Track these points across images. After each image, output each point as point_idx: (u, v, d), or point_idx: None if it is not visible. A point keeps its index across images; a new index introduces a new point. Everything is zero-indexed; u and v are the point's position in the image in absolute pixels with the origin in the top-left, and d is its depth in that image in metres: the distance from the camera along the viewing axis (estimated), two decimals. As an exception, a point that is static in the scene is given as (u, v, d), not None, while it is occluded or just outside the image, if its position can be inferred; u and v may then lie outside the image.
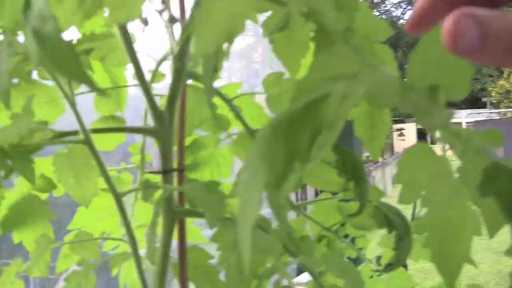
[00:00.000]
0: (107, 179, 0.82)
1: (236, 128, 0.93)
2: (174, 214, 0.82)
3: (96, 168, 0.86)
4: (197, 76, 0.88)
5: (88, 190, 0.90)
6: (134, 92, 0.97)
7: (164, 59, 0.89)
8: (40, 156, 0.82)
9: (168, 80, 0.85)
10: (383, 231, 0.75)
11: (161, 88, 0.89)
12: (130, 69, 0.83)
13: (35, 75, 0.81)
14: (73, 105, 0.77)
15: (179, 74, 0.82)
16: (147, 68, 0.84)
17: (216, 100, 0.86)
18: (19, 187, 0.91)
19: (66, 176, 0.87)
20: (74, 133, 0.79)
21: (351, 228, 0.83)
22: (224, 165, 0.99)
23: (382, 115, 0.74)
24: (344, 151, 0.72)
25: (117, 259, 0.90)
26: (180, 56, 0.82)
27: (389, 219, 0.74)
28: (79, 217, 0.98)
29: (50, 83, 0.83)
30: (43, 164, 0.89)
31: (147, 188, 0.87)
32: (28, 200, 0.89)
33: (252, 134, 0.87)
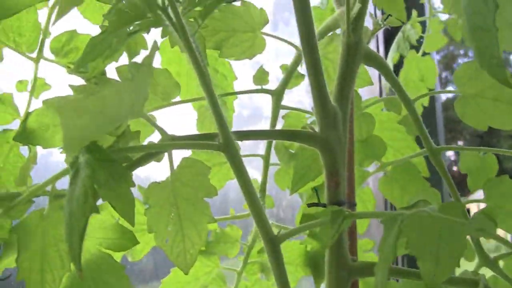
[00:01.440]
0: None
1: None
2: (349, 273, 0.51)
3: (208, 209, 0.56)
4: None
5: (193, 247, 0.59)
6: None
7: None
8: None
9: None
10: None
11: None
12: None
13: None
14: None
15: (354, 50, 0.55)
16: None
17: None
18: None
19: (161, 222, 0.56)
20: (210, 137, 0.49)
21: None
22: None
23: None
24: None
25: None
26: (355, 28, 0.55)
27: None
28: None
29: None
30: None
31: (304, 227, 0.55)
32: (97, 261, 0.56)
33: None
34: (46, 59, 0.65)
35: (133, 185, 0.47)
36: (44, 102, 0.60)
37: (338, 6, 0.60)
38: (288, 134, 0.56)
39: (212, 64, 0.73)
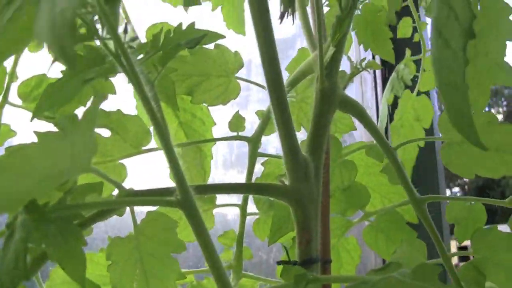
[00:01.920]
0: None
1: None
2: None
3: (176, 265, 0.53)
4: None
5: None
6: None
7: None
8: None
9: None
10: None
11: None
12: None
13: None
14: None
15: (328, 97, 0.52)
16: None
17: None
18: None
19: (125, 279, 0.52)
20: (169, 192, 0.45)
21: None
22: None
23: None
24: None
25: None
26: (329, 73, 0.52)
27: None
28: None
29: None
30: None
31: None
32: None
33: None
34: (12, 104, 0.62)
35: (85, 243, 0.44)
36: (7, 150, 0.57)
37: (312, 49, 0.57)
38: (255, 188, 0.52)
39: (189, 108, 0.70)
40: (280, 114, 0.49)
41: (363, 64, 0.57)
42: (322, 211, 0.53)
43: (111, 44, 0.41)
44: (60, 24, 0.26)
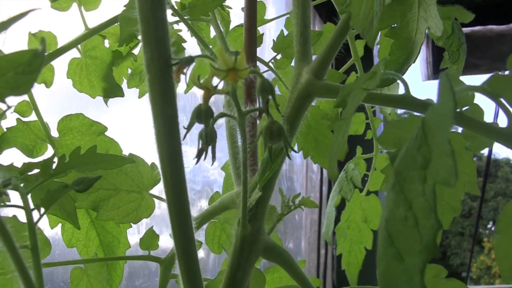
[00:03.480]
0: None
1: None
2: None
3: None
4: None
5: None
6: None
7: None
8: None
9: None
10: None
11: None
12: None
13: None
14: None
15: (250, 245, 0.43)
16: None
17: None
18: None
19: None
20: None
21: None
22: None
23: None
24: None
25: None
26: (254, 216, 0.43)
27: None
28: None
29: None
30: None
31: None
32: None
33: None
34: None
35: None
36: None
37: (237, 184, 0.48)
38: None
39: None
40: (182, 253, 0.40)
41: (296, 201, 0.48)
42: None
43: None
44: None
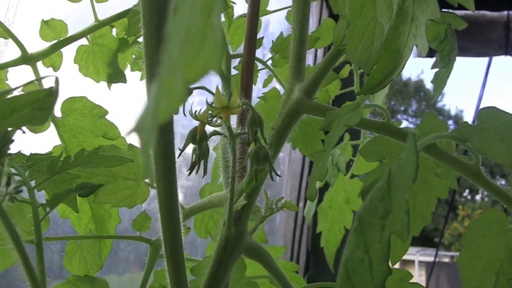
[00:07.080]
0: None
1: None
2: None
3: None
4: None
5: None
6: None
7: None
8: None
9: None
10: None
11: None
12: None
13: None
14: None
15: (233, 246, 0.48)
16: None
17: None
18: None
19: None
20: None
21: None
22: None
23: None
24: None
25: None
26: (239, 219, 0.48)
27: None
28: None
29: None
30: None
31: None
32: None
33: None
34: None
35: None
36: None
37: (226, 186, 0.53)
38: None
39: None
40: (171, 257, 0.45)
41: (279, 204, 0.53)
42: None
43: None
44: None
